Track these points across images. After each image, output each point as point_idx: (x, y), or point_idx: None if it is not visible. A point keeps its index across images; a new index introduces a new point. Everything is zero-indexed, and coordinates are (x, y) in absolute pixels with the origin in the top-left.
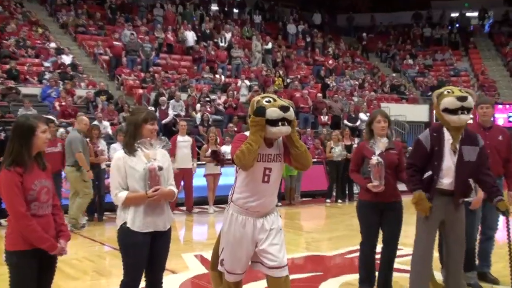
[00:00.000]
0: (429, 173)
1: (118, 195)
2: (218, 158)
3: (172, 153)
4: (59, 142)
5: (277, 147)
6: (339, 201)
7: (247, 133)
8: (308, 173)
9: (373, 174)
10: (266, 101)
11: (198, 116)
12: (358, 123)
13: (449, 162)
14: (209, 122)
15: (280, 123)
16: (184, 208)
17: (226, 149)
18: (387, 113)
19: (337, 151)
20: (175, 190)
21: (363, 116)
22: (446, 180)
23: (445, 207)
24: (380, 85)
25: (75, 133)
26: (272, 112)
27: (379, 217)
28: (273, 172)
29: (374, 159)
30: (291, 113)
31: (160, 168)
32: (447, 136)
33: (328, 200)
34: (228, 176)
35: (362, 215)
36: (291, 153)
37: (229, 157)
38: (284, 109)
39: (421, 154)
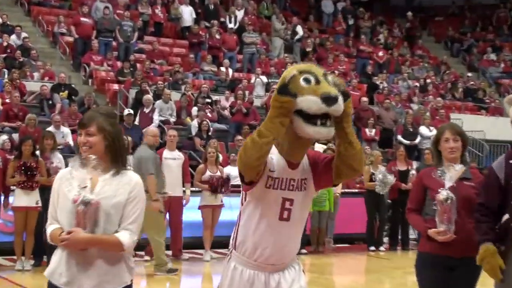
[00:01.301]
0: (506, 217)
1: (47, 230)
2: (215, 186)
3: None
4: None
5: (303, 169)
6: (382, 248)
7: None
8: (346, 209)
9: (439, 215)
10: (304, 80)
11: (195, 123)
12: (418, 140)
13: None
14: (209, 133)
15: (319, 121)
16: (169, 253)
17: (231, 171)
18: (460, 128)
19: (379, 178)
20: (124, 239)
21: (425, 130)
22: None
23: None
24: (450, 88)
25: (145, 150)
26: (311, 103)
27: (447, 278)
28: (296, 205)
29: (443, 194)
30: (338, 107)
31: (85, 203)
32: None
33: (372, 248)
34: (233, 209)
35: (421, 274)
36: (340, 152)
37: (235, 181)
38: (330, 101)
39: (494, 190)
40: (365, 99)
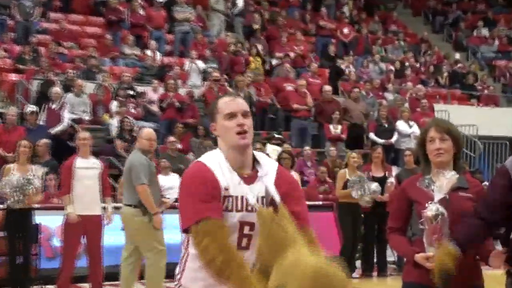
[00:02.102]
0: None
1: None
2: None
3: (66, 189)
4: None
5: (262, 185)
6: (356, 275)
7: (207, 160)
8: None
9: (427, 236)
10: None
11: (115, 122)
12: (394, 138)
13: None
14: (133, 134)
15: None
16: (87, 287)
17: (163, 181)
18: (449, 124)
19: (355, 181)
20: None
21: (403, 126)
22: None
23: None
24: (433, 72)
25: (138, 156)
26: None
27: None
28: (257, 230)
29: (431, 209)
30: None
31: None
32: None
33: (354, 275)
34: (169, 230)
35: None
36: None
37: (168, 194)
38: None
39: (505, 197)
40: (327, 88)
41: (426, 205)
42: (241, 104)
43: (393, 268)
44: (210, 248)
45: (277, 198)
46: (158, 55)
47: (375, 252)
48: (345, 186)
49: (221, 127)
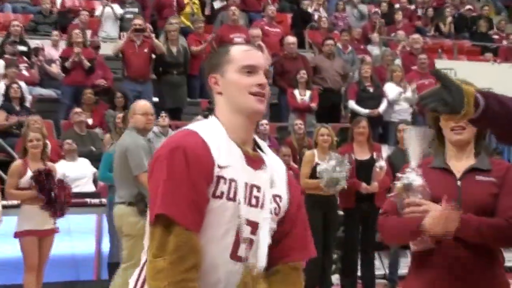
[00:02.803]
0: None
1: None
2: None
3: None
4: None
5: (271, 170)
6: None
7: (202, 130)
8: None
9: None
10: None
11: (0, 88)
12: (382, 106)
13: None
14: (25, 103)
15: None
16: None
17: (67, 168)
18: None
19: (326, 170)
20: None
21: (393, 90)
22: None
23: None
24: (433, 17)
25: (134, 136)
26: None
27: None
28: (262, 234)
29: (409, 177)
30: None
31: None
32: None
33: None
34: (76, 236)
35: None
36: None
37: (77, 187)
38: None
39: None
40: (291, 39)
41: (398, 175)
42: (263, 58)
43: (383, 285)
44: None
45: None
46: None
47: (358, 263)
48: (314, 173)
49: (230, 82)
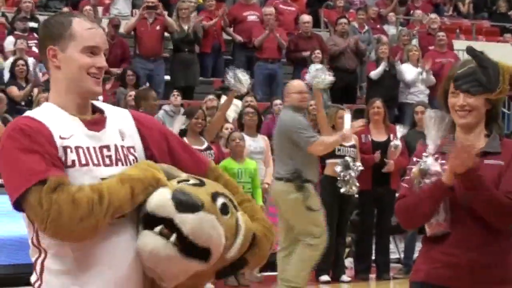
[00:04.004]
0: None
1: None
2: None
3: None
4: None
5: (119, 132)
6: (345, 277)
7: (32, 113)
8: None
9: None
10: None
11: (8, 64)
12: (398, 88)
13: None
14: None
15: None
16: None
17: None
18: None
19: (343, 163)
20: None
21: (410, 71)
22: None
23: None
24: None
25: (291, 114)
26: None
27: None
28: None
29: (426, 161)
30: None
31: None
32: None
33: (324, 278)
34: None
35: None
36: None
37: None
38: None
39: None
40: (306, 18)
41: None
42: (104, 38)
43: (398, 269)
44: (77, 198)
45: (139, 145)
46: None
47: (373, 247)
48: (329, 154)
49: (71, 60)
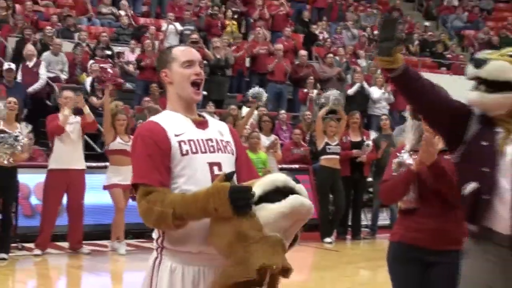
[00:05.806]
0: (472, 186)
1: None
2: None
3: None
4: None
5: (219, 132)
6: (328, 239)
7: (158, 119)
8: None
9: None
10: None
11: (89, 80)
12: (367, 104)
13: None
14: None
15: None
16: (66, 245)
17: None
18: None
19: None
20: None
21: (376, 92)
22: (504, 212)
23: (501, 266)
24: (404, 39)
25: None
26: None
27: (423, 276)
28: (226, 169)
29: (403, 156)
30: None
31: None
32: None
33: (328, 240)
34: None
35: (393, 269)
36: None
37: None
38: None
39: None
40: (303, 52)
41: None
42: (197, 54)
43: (366, 232)
44: (153, 210)
45: (232, 144)
46: (131, 15)
47: (349, 217)
48: (323, 149)
49: (176, 73)
